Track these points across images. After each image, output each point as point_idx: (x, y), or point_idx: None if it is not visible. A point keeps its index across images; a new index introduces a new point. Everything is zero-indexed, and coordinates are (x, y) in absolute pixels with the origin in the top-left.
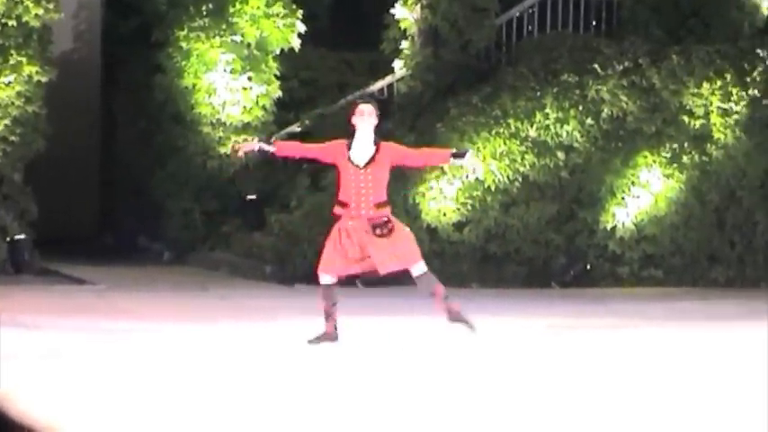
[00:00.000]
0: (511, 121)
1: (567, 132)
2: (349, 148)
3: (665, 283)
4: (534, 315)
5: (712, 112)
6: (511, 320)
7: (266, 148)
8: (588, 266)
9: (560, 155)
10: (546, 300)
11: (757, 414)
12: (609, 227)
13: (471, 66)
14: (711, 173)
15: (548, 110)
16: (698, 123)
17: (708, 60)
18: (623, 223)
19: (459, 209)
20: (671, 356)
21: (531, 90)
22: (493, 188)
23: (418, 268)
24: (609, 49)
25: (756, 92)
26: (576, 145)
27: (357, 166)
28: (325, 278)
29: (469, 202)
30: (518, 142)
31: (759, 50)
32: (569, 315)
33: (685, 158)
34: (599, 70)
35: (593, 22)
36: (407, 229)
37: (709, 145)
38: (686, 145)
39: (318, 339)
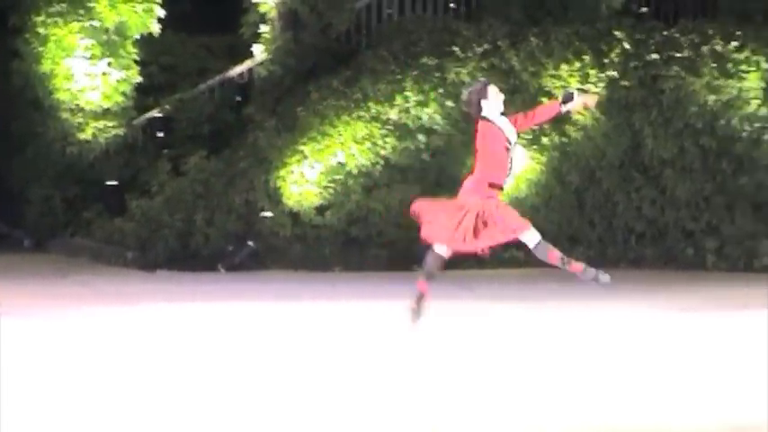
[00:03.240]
0: (371, 104)
1: (428, 115)
2: (498, 126)
3: (526, 264)
4: (400, 298)
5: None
6: (377, 304)
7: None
8: None
9: (421, 138)
10: (410, 283)
11: (593, 395)
12: None
13: (332, 49)
14: (571, 154)
15: (408, 93)
16: None
17: (566, 42)
18: None
19: (320, 192)
20: (529, 336)
21: (391, 73)
22: (354, 172)
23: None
24: (468, 32)
25: (614, 73)
26: (436, 127)
27: (510, 141)
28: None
29: (331, 185)
30: (379, 125)
31: (616, 32)
32: (434, 297)
33: (545, 140)
34: (459, 53)
35: (453, 5)
36: None
37: (568, 126)
38: (546, 127)
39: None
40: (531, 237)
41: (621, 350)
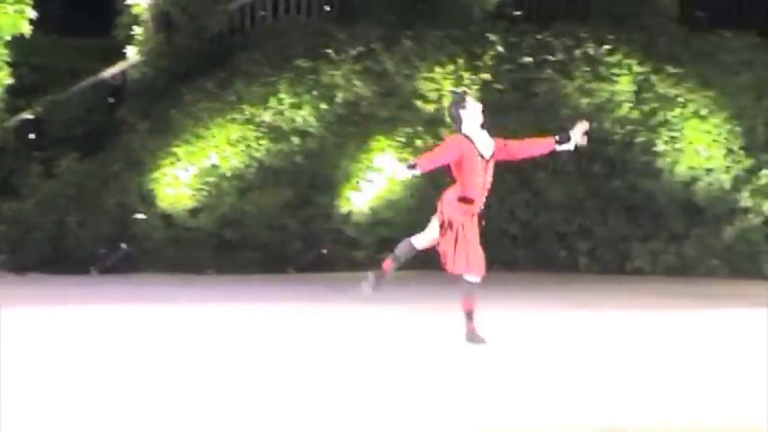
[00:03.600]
0: (245, 106)
1: (302, 117)
2: (471, 141)
3: (402, 266)
4: (276, 301)
5: (445, 96)
6: (253, 307)
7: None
8: (324, 251)
9: (295, 140)
10: (283, 285)
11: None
12: (344, 211)
13: (205, 51)
14: None
15: (282, 95)
16: (431, 107)
17: (439, 45)
18: (358, 208)
19: (194, 195)
20: (401, 338)
21: (264, 76)
22: (228, 174)
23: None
24: (342, 35)
25: (488, 76)
26: (310, 130)
27: (484, 157)
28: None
29: (205, 188)
30: (253, 128)
31: (490, 35)
32: (308, 300)
33: (419, 142)
34: (333, 55)
35: (327, 8)
36: None
37: (442, 128)
38: (420, 129)
39: (475, 338)
40: (471, 278)
41: (488, 351)
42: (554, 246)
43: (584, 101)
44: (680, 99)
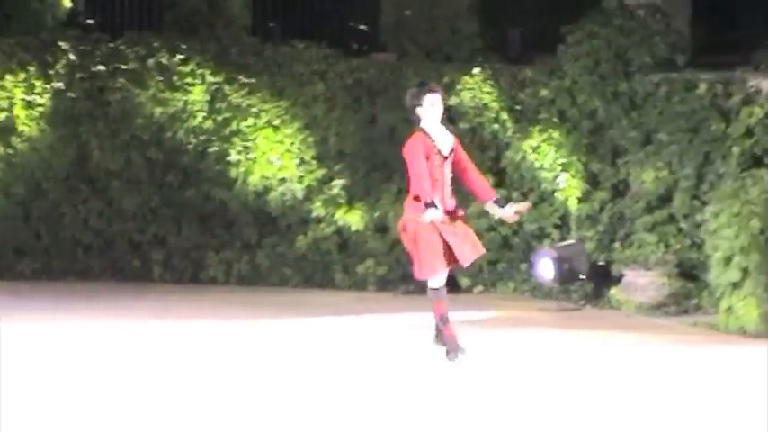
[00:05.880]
0: None
1: None
2: (430, 137)
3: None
4: None
5: (16, 104)
6: None
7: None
8: None
9: None
10: None
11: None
12: None
13: None
14: (17, 165)
15: None
16: (2, 116)
17: (10, 52)
18: None
19: None
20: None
21: None
22: None
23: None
24: None
25: (61, 84)
26: None
27: (442, 154)
28: (439, 279)
29: None
30: None
31: (62, 43)
32: None
33: None
34: None
35: None
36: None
37: (14, 138)
38: None
39: (455, 351)
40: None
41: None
42: (128, 255)
43: (158, 110)
44: (253, 109)
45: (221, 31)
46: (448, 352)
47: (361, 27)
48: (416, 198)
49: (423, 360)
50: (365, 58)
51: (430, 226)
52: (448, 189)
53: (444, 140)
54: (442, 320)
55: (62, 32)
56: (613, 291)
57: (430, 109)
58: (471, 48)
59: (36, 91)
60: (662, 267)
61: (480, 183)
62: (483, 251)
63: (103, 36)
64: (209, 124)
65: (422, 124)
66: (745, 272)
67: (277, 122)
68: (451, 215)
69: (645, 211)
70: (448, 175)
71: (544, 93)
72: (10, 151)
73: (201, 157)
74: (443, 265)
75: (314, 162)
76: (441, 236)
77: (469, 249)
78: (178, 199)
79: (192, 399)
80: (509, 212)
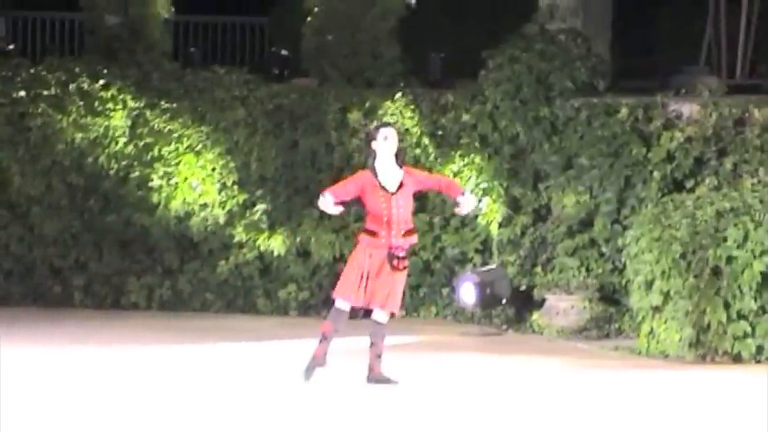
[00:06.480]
0: None
1: None
2: (375, 174)
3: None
4: None
5: None
6: None
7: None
8: None
9: None
10: None
11: None
12: None
13: None
14: None
15: None
16: None
17: None
18: None
19: None
20: None
21: None
22: None
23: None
24: None
25: None
26: None
27: (387, 191)
28: (345, 304)
29: None
30: None
31: None
32: None
33: None
34: None
35: None
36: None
37: None
38: None
39: (311, 367)
40: (382, 317)
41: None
42: (49, 280)
43: (79, 135)
44: (175, 134)
45: (142, 56)
46: (307, 368)
47: (283, 52)
48: (369, 232)
49: (346, 385)
50: (286, 84)
51: (361, 260)
52: (401, 226)
53: (392, 177)
54: (323, 337)
55: None
56: (535, 315)
57: (383, 143)
58: (392, 72)
59: None
60: (583, 292)
61: (448, 185)
62: (394, 310)
63: (24, 61)
64: (130, 149)
65: (374, 163)
66: (666, 296)
67: (199, 147)
68: (394, 258)
69: (566, 236)
70: (400, 210)
71: (466, 117)
72: None
73: (123, 183)
74: (355, 299)
75: (235, 187)
76: (364, 276)
77: (381, 299)
78: (99, 224)
79: (111, 426)
80: (471, 205)
